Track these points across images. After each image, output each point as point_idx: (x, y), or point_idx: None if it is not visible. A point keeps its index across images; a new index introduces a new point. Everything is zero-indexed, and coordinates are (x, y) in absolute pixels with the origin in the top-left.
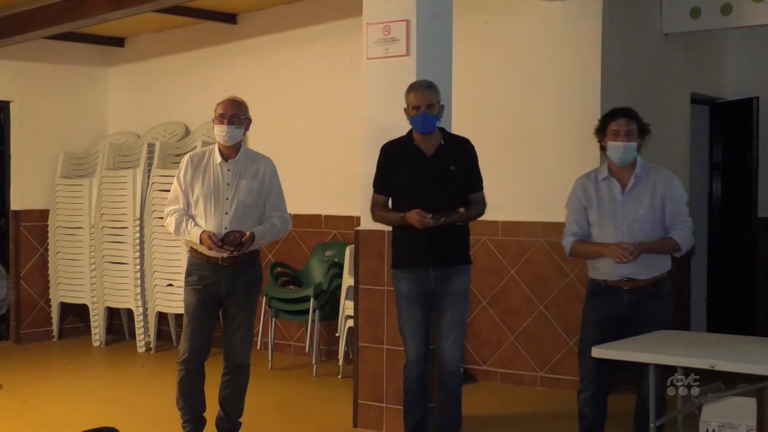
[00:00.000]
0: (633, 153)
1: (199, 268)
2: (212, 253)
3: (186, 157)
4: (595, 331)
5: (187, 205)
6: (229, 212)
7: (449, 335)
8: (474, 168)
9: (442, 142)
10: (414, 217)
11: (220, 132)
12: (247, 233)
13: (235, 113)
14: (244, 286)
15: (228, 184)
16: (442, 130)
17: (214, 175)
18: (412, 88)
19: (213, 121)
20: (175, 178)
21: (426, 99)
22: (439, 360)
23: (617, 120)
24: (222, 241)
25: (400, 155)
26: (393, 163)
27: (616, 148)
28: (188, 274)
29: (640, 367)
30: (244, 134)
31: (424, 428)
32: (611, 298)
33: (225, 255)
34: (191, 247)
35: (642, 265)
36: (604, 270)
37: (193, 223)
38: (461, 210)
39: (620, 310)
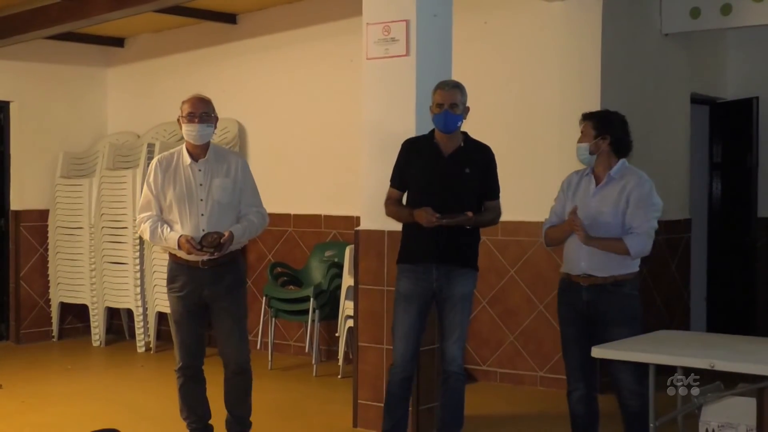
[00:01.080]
0: (585, 155)
1: (180, 274)
2: (192, 257)
3: (154, 161)
4: (569, 328)
5: (161, 210)
6: (205, 213)
7: (451, 335)
8: (491, 175)
9: (462, 145)
10: (421, 214)
11: (190, 131)
12: (226, 233)
13: (205, 111)
14: (227, 288)
15: (201, 184)
16: (464, 133)
17: (185, 177)
18: (439, 86)
19: (180, 120)
20: (145, 183)
21: (450, 98)
22: (441, 360)
23: (582, 123)
24: (200, 243)
25: (418, 152)
26: (410, 159)
27: (576, 149)
28: (170, 280)
29: (613, 373)
30: (213, 132)
31: (402, 430)
32: (574, 294)
33: (205, 258)
34: (170, 253)
35: (598, 262)
36: (567, 263)
37: (168, 229)
38: (469, 214)
39: (580, 306)
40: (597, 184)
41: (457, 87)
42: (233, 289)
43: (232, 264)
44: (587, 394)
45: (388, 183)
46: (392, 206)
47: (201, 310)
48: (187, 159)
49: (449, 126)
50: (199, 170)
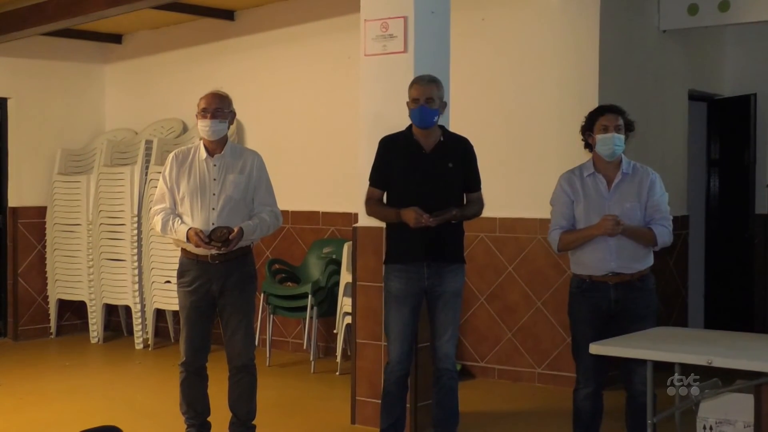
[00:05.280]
0: (622, 146)
1: (190, 268)
2: (201, 251)
3: (171, 155)
4: (587, 328)
5: (174, 203)
6: (216, 208)
7: (444, 333)
8: (472, 168)
9: (442, 139)
10: (410, 214)
11: (203, 127)
12: (235, 229)
13: (219, 107)
14: (236, 284)
15: (214, 179)
16: (442, 127)
17: (199, 171)
18: (415, 80)
19: (196, 116)
20: (161, 176)
21: (426, 92)
22: (434, 357)
23: (606, 115)
24: (209, 237)
25: (398, 149)
26: (390, 157)
27: (607, 139)
28: (180, 275)
29: (630, 364)
30: (229, 128)
31: (400, 428)
32: (597, 294)
33: (213, 252)
34: (182, 248)
35: (627, 259)
36: (590, 264)
37: (179, 221)
38: (455, 213)
39: (607, 305)
40: (608, 182)
41: (434, 81)
42: (242, 285)
43: (242, 259)
44: (595, 391)
45: None
46: (374, 206)
47: (209, 306)
48: (203, 154)
49: (426, 121)
50: (214, 165)
